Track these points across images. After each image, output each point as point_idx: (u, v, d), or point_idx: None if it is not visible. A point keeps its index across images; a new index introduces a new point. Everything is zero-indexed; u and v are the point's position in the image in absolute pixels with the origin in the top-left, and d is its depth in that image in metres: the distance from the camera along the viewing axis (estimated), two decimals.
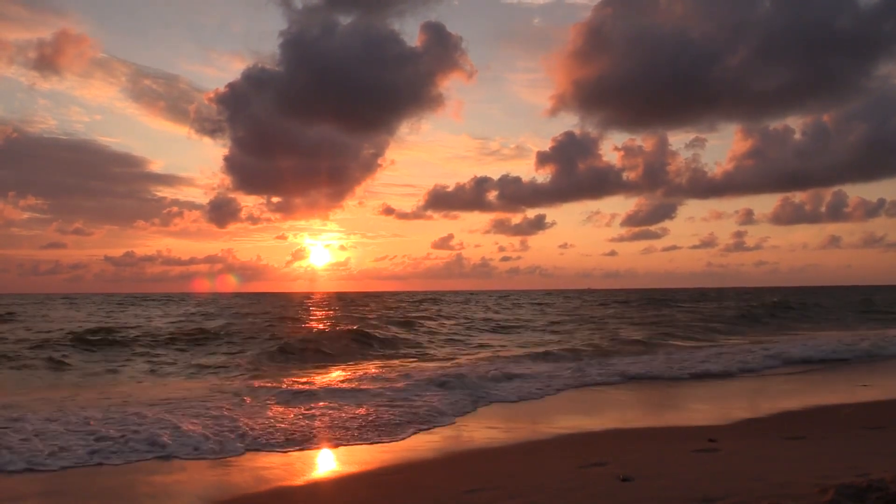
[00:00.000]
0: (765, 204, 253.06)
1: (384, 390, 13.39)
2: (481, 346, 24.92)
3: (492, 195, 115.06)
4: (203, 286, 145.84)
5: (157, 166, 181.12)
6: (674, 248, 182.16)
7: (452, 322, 36.94)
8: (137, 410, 11.02)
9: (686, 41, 64.95)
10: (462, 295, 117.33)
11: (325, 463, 8.51)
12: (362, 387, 13.84)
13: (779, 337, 28.28)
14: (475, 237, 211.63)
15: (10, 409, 11.43)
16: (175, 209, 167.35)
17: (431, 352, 23.04)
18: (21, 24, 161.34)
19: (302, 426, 10.20)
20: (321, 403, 12.04)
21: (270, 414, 11.00)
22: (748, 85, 67.13)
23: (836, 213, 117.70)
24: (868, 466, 5.83)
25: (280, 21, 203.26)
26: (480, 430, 10.46)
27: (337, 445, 9.29)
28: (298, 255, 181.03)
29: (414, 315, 41.52)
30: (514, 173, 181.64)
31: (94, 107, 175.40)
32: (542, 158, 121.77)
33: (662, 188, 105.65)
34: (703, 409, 12.49)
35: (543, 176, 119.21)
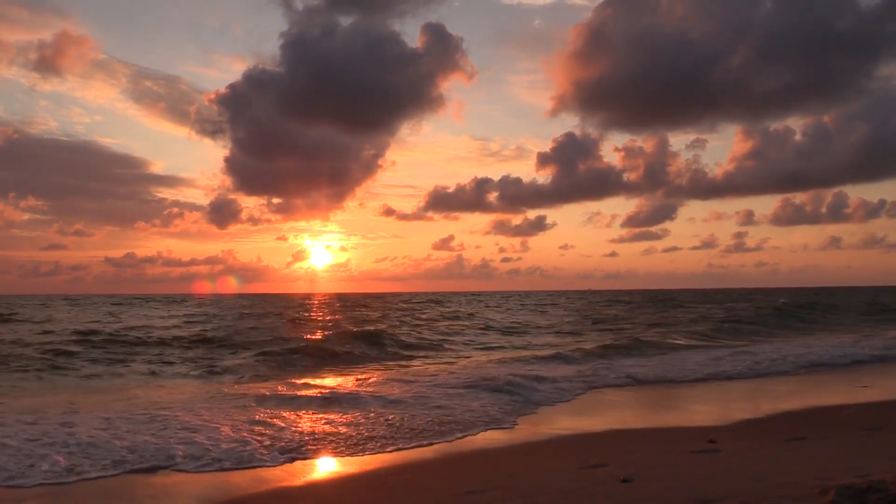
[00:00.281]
0: (765, 205, 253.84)
1: (412, 396, 12.76)
2: (500, 347, 25.04)
3: (492, 196, 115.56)
4: (204, 287, 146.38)
5: (157, 167, 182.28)
6: (674, 248, 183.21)
7: (463, 323, 37.02)
8: (144, 412, 11.02)
9: (687, 42, 65.16)
10: (465, 296, 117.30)
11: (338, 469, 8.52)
12: (381, 391, 13.28)
13: (800, 338, 27.93)
14: (476, 238, 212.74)
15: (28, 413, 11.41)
16: (175, 210, 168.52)
17: (453, 353, 23.03)
18: (22, 26, 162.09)
19: (323, 432, 10.13)
20: (358, 409, 11.46)
21: (278, 419, 10.73)
22: (749, 85, 67.35)
23: (837, 213, 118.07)
24: (868, 467, 5.82)
25: (281, 22, 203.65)
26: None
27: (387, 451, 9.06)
28: (299, 256, 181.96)
29: (424, 317, 41.59)
30: (514, 174, 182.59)
31: (94, 108, 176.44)
32: (543, 159, 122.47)
33: (663, 189, 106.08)
34: (703, 409, 12.48)
35: (544, 177, 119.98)
